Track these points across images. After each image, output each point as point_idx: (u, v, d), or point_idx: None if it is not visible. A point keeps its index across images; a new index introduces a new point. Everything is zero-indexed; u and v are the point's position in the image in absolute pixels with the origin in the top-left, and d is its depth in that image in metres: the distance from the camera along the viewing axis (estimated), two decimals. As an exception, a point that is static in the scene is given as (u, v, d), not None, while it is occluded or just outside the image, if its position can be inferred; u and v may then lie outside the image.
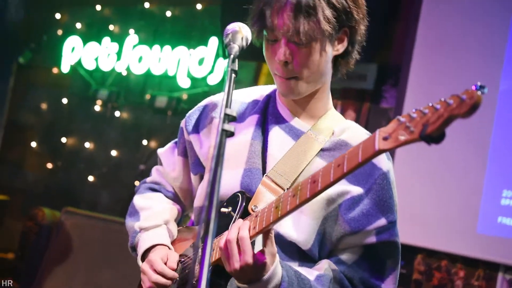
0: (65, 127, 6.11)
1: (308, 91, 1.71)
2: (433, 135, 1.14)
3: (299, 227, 1.64)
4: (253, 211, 1.59)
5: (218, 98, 1.92)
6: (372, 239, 1.66)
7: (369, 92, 4.42)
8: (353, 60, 1.77)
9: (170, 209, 1.94)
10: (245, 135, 1.76)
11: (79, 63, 5.92)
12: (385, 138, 1.22)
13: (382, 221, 1.66)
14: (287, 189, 1.61)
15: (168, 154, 2.01)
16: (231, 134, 1.26)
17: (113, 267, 4.03)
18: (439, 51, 4.06)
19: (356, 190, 1.66)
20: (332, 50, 1.68)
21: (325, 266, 1.65)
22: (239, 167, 1.72)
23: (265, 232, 1.48)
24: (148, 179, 2.04)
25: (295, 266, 1.63)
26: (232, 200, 1.66)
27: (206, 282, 1.10)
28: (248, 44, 1.60)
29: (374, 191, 1.67)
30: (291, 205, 1.41)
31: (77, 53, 5.93)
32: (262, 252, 1.48)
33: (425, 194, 3.92)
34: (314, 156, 1.68)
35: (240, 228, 1.48)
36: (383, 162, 1.70)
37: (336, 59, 1.73)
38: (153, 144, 5.53)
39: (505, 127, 3.75)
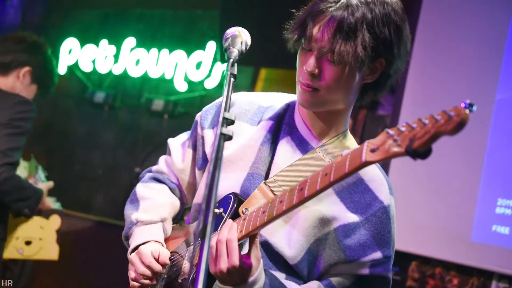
0: (61, 129, 6.10)
1: (324, 107, 1.69)
2: (419, 150, 1.14)
3: (289, 242, 1.65)
4: (244, 214, 1.60)
5: (235, 97, 1.89)
6: (365, 270, 1.67)
7: (366, 98, 4.44)
8: (381, 93, 1.73)
9: (171, 204, 1.91)
10: (255, 139, 1.76)
11: (76, 65, 5.91)
12: (372, 150, 1.23)
13: (377, 254, 1.66)
14: None
15: (179, 145, 1.97)
16: (229, 138, 1.28)
17: (107, 269, 4.03)
18: (437, 59, 4.08)
19: (353, 217, 1.65)
20: (362, 77, 1.65)
21: (314, 287, 1.66)
22: (244, 170, 1.72)
23: (251, 236, 1.50)
24: (154, 168, 2.01)
25: (281, 278, 1.64)
26: (224, 201, 1.68)
27: (203, 286, 1.11)
28: (247, 48, 1.61)
29: (373, 223, 1.66)
30: (277, 210, 1.43)
31: (74, 55, 5.92)
32: (248, 255, 1.50)
33: (420, 201, 3.93)
34: None
35: (229, 230, 1.50)
36: (384, 195, 1.69)
37: (365, 87, 1.70)
38: (149, 147, 5.53)
39: (500, 135, 3.76)
